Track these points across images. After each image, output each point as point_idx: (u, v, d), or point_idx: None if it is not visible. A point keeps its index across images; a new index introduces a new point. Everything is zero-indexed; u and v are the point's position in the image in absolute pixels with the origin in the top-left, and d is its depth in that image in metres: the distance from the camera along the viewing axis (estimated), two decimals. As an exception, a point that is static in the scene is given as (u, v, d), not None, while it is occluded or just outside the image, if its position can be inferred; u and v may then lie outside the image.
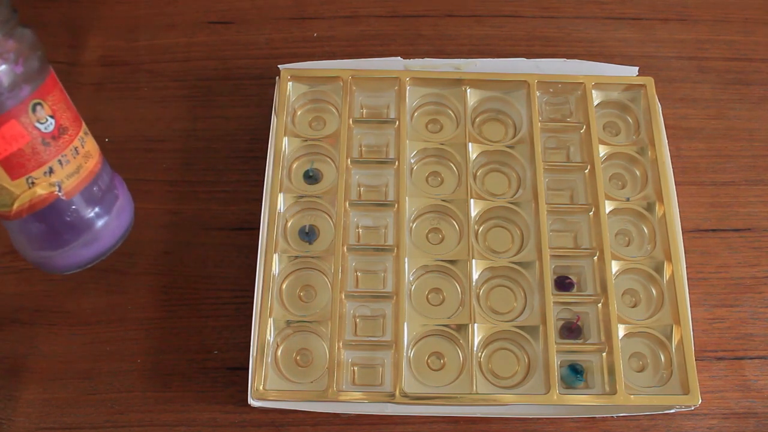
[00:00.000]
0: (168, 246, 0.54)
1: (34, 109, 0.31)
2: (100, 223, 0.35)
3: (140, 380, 0.50)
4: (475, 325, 0.48)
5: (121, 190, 0.37)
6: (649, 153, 0.54)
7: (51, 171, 0.32)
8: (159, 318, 0.52)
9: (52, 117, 0.32)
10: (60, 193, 0.33)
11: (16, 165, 0.31)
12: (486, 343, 0.49)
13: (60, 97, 0.33)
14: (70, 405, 0.49)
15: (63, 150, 0.32)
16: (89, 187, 0.34)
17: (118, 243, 0.36)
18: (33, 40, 0.31)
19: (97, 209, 0.35)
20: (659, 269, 0.50)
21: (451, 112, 0.57)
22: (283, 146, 0.53)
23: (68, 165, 0.33)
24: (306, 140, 0.54)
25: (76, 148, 0.33)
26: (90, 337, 0.51)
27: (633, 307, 0.51)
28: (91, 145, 0.35)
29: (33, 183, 0.32)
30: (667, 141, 0.54)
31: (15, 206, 0.32)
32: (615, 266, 0.50)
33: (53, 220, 0.33)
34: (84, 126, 0.35)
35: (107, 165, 0.37)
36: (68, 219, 0.34)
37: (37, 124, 0.31)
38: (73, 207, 0.34)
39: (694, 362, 0.47)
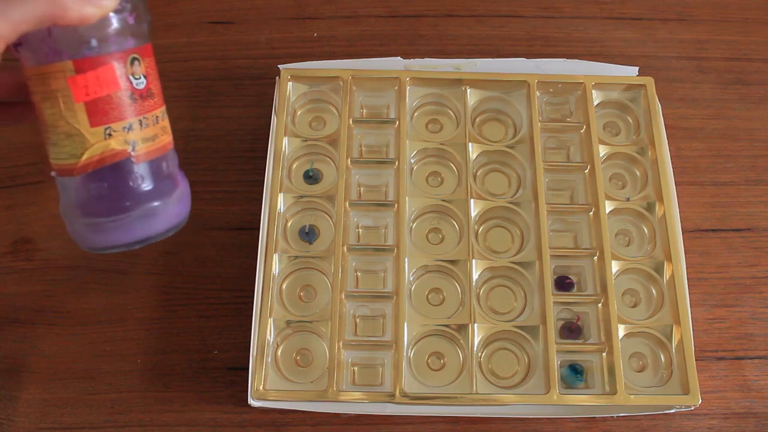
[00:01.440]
0: (168, 246, 0.54)
1: (132, 62, 0.31)
2: (160, 201, 0.33)
3: (140, 380, 0.50)
4: (475, 325, 0.48)
5: (183, 182, 0.35)
6: (649, 153, 0.54)
7: (130, 128, 0.31)
8: (159, 318, 0.52)
9: (145, 76, 0.32)
10: (132, 153, 0.32)
11: (100, 111, 0.31)
12: (486, 343, 0.49)
13: (154, 65, 0.33)
14: (70, 405, 0.49)
15: (146, 112, 0.32)
16: (159, 159, 0.34)
17: (170, 231, 0.35)
18: (145, 6, 0.32)
19: (161, 186, 0.34)
20: (659, 269, 0.50)
21: (451, 112, 0.57)
22: (283, 146, 0.53)
23: (147, 129, 0.32)
24: (306, 140, 0.54)
25: (156, 117, 0.33)
26: (90, 337, 0.51)
27: (633, 307, 0.51)
28: (167, 123, 0.35)
29: (110, 135, 0.31)
30: (667, 141, 0.54)
31: (84, 157, 0.31)
32: (615, 266, 0.50)
33: (117, 181, 0.32)
34: (164, 106, 0.35)
35: (176, 153, 0.36)
36: (132, 185, 0.32)
37: (131, 78, 0.31)
38: (140, 173, 0.33)
39: (694, 362, 0.47)
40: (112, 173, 0.32)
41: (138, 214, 0.33)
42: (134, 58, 0.31)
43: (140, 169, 0.33)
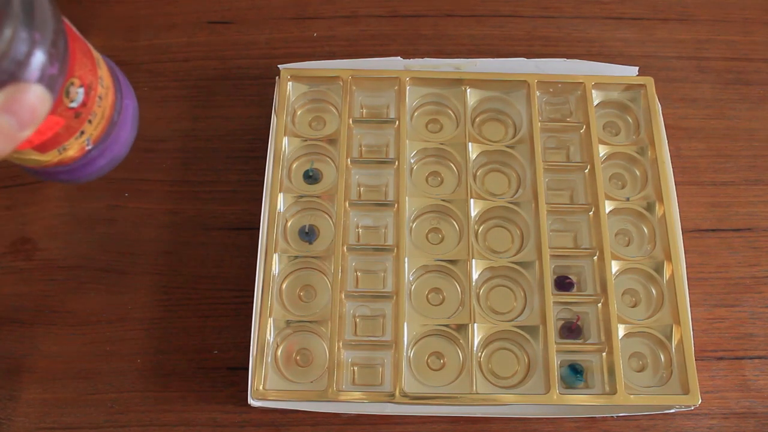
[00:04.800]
0: (168, 246, 0.54)
1: (67, 93, 0.27)
2: (112, 145, 0.32)
3: (140, 380, 0.50)
4: (475, 325, 0.48)
5: (126, 92, 0.33)
6: (649, 153, 0.54)
7: (82, 133, 0.30)
8: (159, 318, 0.52)
9: (81, 86, 0.28)
10: (89, 147, 0.30)
11: (49, 144, 0.29)
12: (486, 343, 0.49)
13: (79, 49, 0.28)
14: (70, 405, 0.49)
15: (92, 108, 0.29)
16: (110, 122, 0.31)
17: (131, 141, 0.33)
18: (51, 13, 0.25)
19: (114, 131, 0.32)
20: (659, 269, 0.50)
21: (451, 112, 0.57)
22: (283, 146, 0.53)
23: (95, 117, 0.30)
24: (306, 140, 0.54)
25: (99, 96, 0.30)
26: (90, 337, 0.51)
27: (633, 307, 0.51)
28: (104, 72, 0.31)
29: (65, 149, 0.30)
30: (667, 141, 0.54)
31: (40, 165, 0.30)
32: (615, 266, 0.50)
33: (77, 163, 0.31)
34: (95, 55, 0.30)
35: (114, 77, 0.32)
36: (90, 158, 0.31)
37: (71, 105, 0.28)
38: (96, 148, 0.31)
39: (694, 362, 0.47)
40: (74, 161, 0.31)
41: (95, 166, 0.32)
42: (68, 86, 0.27)
43: (96, 146, 0.31)
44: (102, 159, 0.31)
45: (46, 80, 0.24)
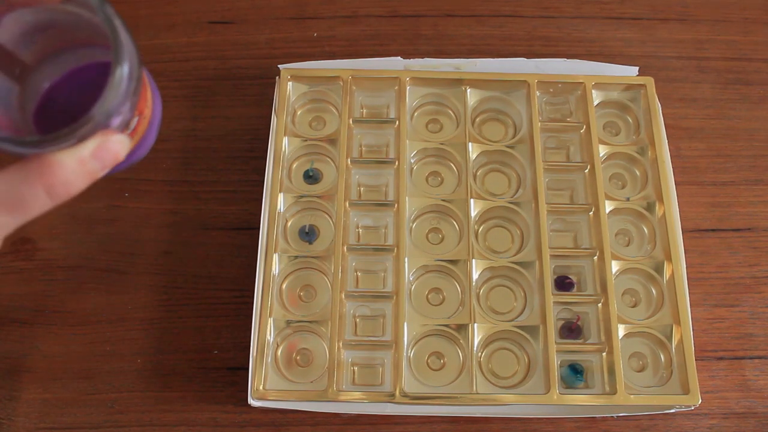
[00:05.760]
0: (168, 246, 0.54)
1: (128, 125, 0.28)
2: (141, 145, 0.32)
3: (140, 380, 0.50)
4: (475, 325, 0.48)
5: (156, 100, 0.32)
6: (649, 153, 0.54)
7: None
8: (159, 318, 0.52)
9: (137, 116, 0.29)
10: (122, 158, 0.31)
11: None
12: (486, 343, 0.49)
13: (143, 84, 0.29)
14: (70, 405, 0.49)
15: (137, 130, 0.30)
16: (143, 135, 0.31)
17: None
18: (138, 64, 0.26)
19: (143, 140, 0.32)
20: (659, 269, 0.50)
21: (451, 112, 0.57)
22: (283, 146, 0.53)
23: (137, 135, 0.30)
24: (306, 140, 0.54)
25: (145, 117, 0.30)
26: (90, 337, 0.51)
27: (633, 307, 0.51)
28: (149, 93, 0.31)
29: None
30: (667, 141, 0.54)
31: None
32: (615, 266, 0.50)
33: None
34: (146, 79, 0.30)
35: (152, 90, 0.32)
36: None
37: (126, 132, 0.29)
38: (128, 154, 0.31)
39: (694, 362, 0.47)
40: None
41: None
42: (133, 121, 0.29)
43: (127, 154, 0.31)
44: (125, 162, 0.31)
45: (125, 124, 0.27)
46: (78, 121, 0.25)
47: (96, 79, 0.25)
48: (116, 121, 0.26)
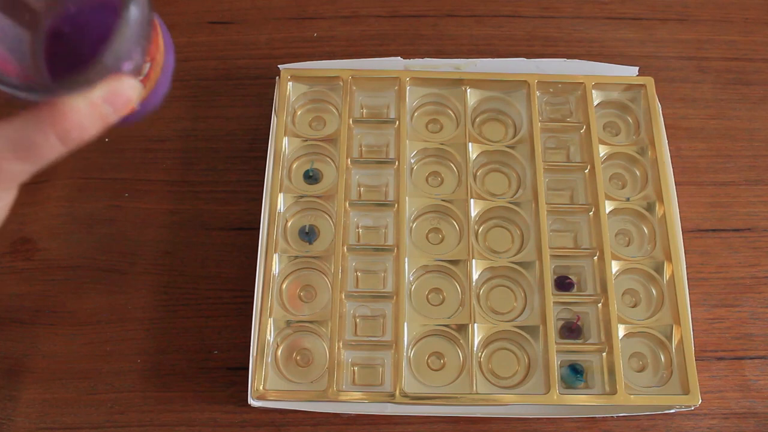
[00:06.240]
0: (168, 246, 0.54)
1: (140, 70, 0.28)
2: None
3: (140, 380, 0.50)
4: (475, 325, 0.48)
5: (168, 49, 0.32)
6: (649, 153, 0.54)
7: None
8: (159, 318, 0.52)
9: (149, 62, 0.29)
10: (137, 107, 0.31)
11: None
12: (486, 343, 0.49)
13: (154, 30, 0.28)
14: (70, 405, 0.49)
15: (150, 76, 0.30)
16: (157, 82, 0.32)
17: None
18: (149, 8, 0.26)
19: (157, 88, 0.32)
20: (659, 269, 0.50)
21: (451, 112, 0.57)
22: (283, 146, 0.53)
23: (149, 82, 0.30)
24: (306, 140, 0.54)
25: (157, 64, 0.30)
26: (90, 337, 0.51)
27: (633, 307, 0.51)
28: (161, 39, 0.30)
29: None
30: (667, 141, 0.54)
31: None
32: (615, 266, 0.50)
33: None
34: (157, 25, 0.29)
35: (165, 38, 0.32)
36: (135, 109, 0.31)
37: (139, 78, 0.28)
38: (142, 103, 0.31)
39: (694, 362, 0.47)
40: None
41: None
42: (145, 67, 0.28)
43: (141, 103, 0.31)
44: (140, 112, 0.31)
45: (137, 69, 0.27)
46: (89, 67, 0.24)
47: (107, 21, 0.25)
48: (128, 65, 0.26)
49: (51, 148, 0.26)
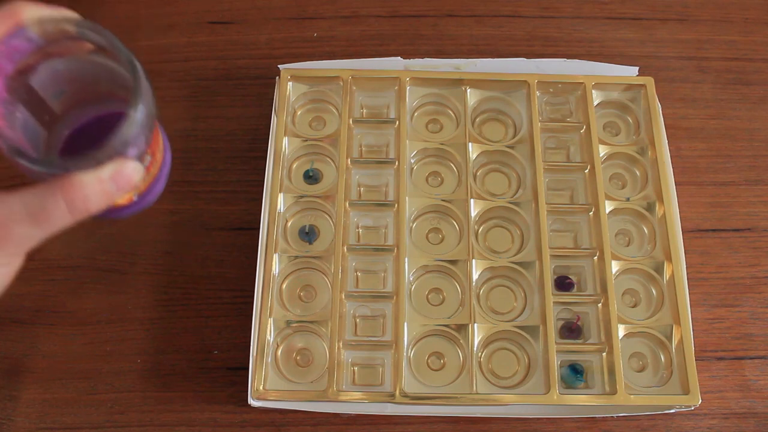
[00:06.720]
0: (168, 246, 0.54)
1: (143, 160, 0.30)
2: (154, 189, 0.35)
3: (140, 380, 0.50)
4: (475, 325, 0.48)
5: (166, 148, 0.36)
6: (649, 153, 0.54)
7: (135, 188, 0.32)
8: (159, 318, 0.52)
9: (150, 155, 0.31)
10: (135, 198, 0.33)
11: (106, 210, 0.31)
12: (486, 343, 0.49)
13: (157, 130, 0.32)
14: (70, 405, 0.49)
15: (149, 170, 0.33)
16: (155, 178, 0.34)
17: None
18: (152, 101, 0.29)
19: (154, 184, 0.35)
20: (659, 269, 0.50)
21: (451, 112, 0.57)
22: (283, 146, 0.53)
23: (148, 176, 0.33)
24: (306, 140, 0.54)
25: (156, 159, 0.33)
26: (90, 337, 0.51)
27: (633, 307, 0.51)
28: (159, 136, 0.34)
29: (114, 203, 0.32)
30: (667, 141, 0.54)
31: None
32: (615, 266, 0.50)
33: (121, 209, 0.34)
34: (156, 123, 0.32)
35: (162, 136, 0.35)
36: (134, 201, 0.34)
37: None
38: (140, 196, 0.34)
39: (694, 362, 0.47)
40: (117, 209, 0.33)
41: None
42: (145, 157, 0.31)
43: (139, 196, 0.34)
44: (137, 206, 0.34)
45: (140, 156, 0.29)
46: (98, 148, 0.27)
47: (114, 124, 0.28)
48: (132, 151, 0.28)
49: (60, 216, 0.29)
